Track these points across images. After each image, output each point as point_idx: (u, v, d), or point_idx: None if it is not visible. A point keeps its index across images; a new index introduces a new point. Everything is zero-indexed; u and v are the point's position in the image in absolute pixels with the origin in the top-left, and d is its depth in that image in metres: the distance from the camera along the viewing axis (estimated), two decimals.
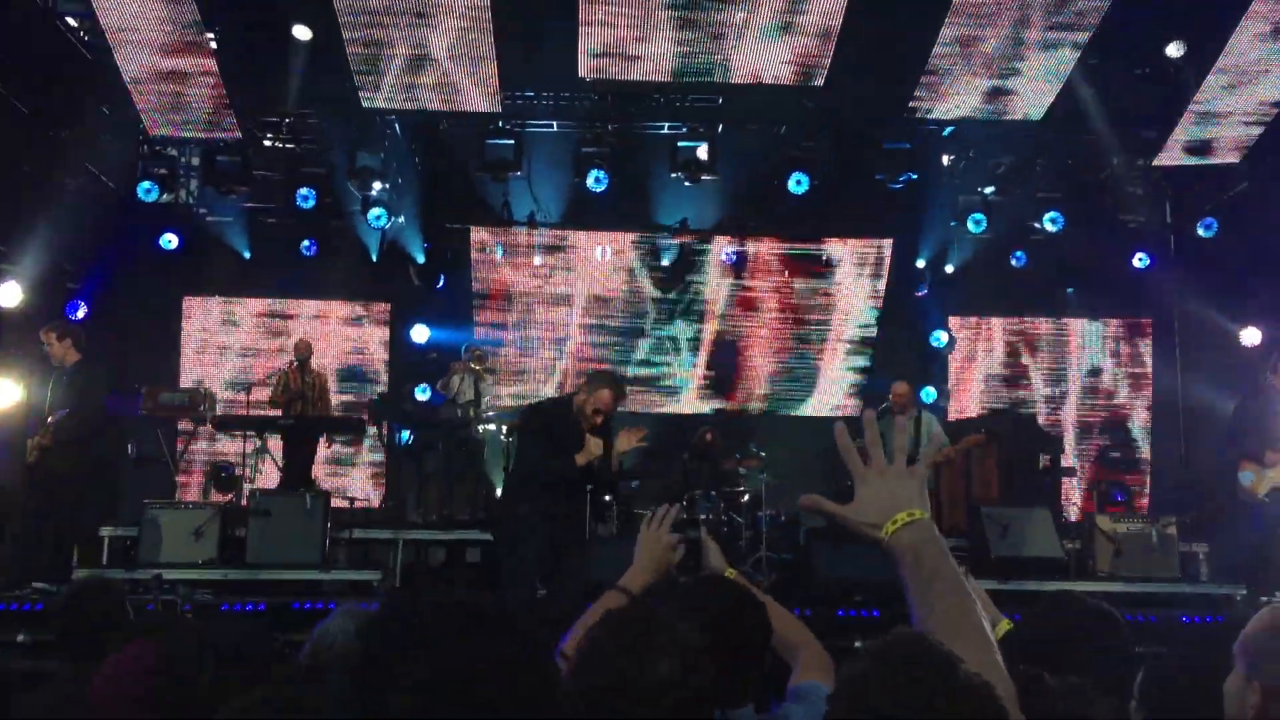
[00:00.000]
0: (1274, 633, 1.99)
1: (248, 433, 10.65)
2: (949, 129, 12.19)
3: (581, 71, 10.89)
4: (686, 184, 11.93)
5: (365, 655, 1.27)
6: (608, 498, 9.07)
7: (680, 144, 11.73)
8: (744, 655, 2.51)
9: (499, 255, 13.30)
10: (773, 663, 2.79)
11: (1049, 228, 12.30)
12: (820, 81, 10.98)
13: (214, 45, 10.71)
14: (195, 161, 12.35)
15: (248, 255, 12.99)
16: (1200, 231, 12.14)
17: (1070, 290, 13.67)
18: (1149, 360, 13.75)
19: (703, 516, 10.13)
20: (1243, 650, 2.00)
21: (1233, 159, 11.89)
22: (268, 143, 12.11)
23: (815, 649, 2.90)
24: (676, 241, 13.42)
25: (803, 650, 2.88)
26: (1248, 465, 8.70)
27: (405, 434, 11.67)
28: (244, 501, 9.57)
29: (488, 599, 1.36)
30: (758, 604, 2.64)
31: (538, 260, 13.37)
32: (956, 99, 11.31)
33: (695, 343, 13.56)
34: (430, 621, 1.29)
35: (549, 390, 13.26)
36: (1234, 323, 12.34)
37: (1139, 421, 13.69)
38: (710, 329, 13.56)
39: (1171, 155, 11.92)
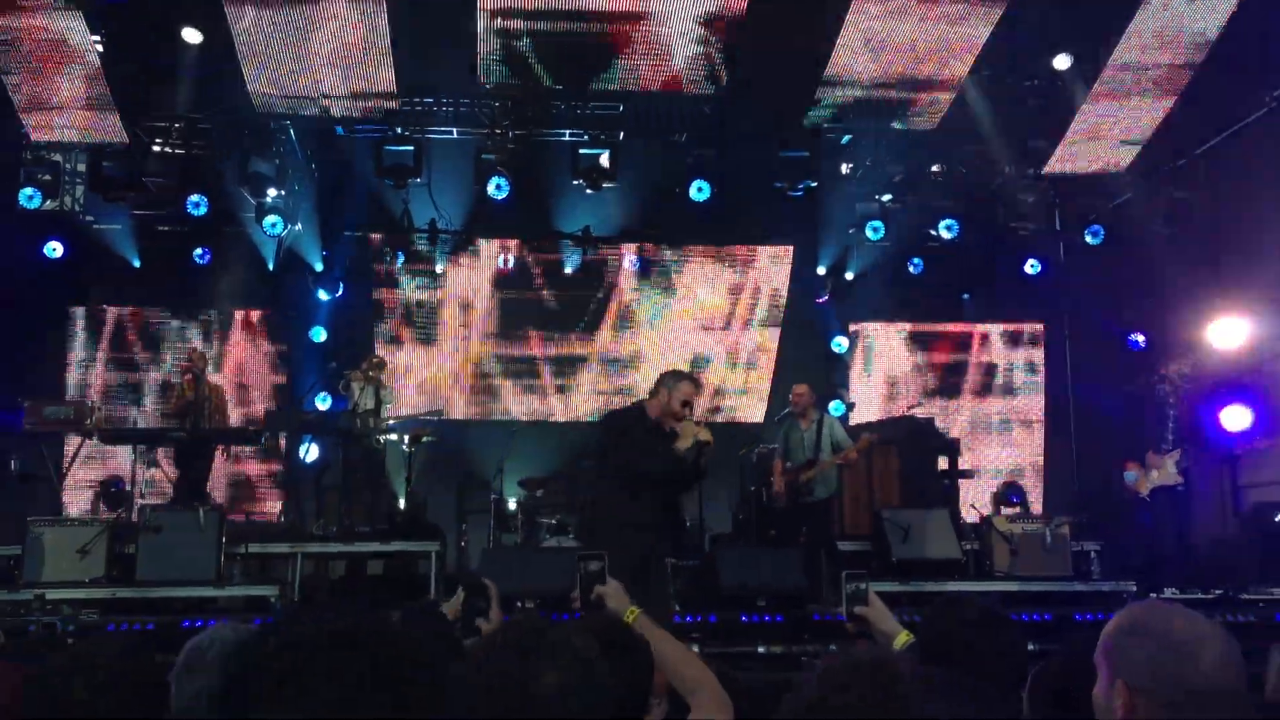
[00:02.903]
0: (1130, 630, 2.01)
1: (138, 447, 10.35)
2: (846, 138, 12.36)
3: (481, 78, 10.81)
4: (588, 191, 11.91)
5: (236, 683, 1.22)
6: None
7: (582, 151, 11.70)
8: (620, 700, 2.47)
9: (399, 263, 13.13)
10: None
11: (945, 235, 12.53)
12: (721, 89, 11.06)
13: (100, 49, 10.39)
14: (81, 167, 11.96)
15: (137, 264, 12.64)
16: (1088, 238, 12.47)
17: (966, 296, 13.94)
18: (1041, 364, 14.09)
19: None
20: (1104, 652, 2.04)
21: (1118, 168, 12.25)
22: (157, 148, 11.75)
23: (713, 690, 2.87)
24: (579, 249, 13.38)
25: (700, 690, 2.85)
26: (1131, 465, 8.97)
27: (305, 445, 11.44)
28: (134, 517, 9.29)
29: (372, 619, 1.31)
30: (639, 647, 2.61)
31: (438, 267, 13.22)
32: (853, 108, 11.47)
33: (598, 350, 13.52)
34: (304, 650, 1.24)
35: (451, 398, 13.14)
36: (1121, 327, 12.70)
37: (1033, 424, 14.01)
38: (611, 336, 13.54)
39: (1060, 164, 12.24)
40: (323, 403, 12.12)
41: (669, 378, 6.47)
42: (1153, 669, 1.94)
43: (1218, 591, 8.34)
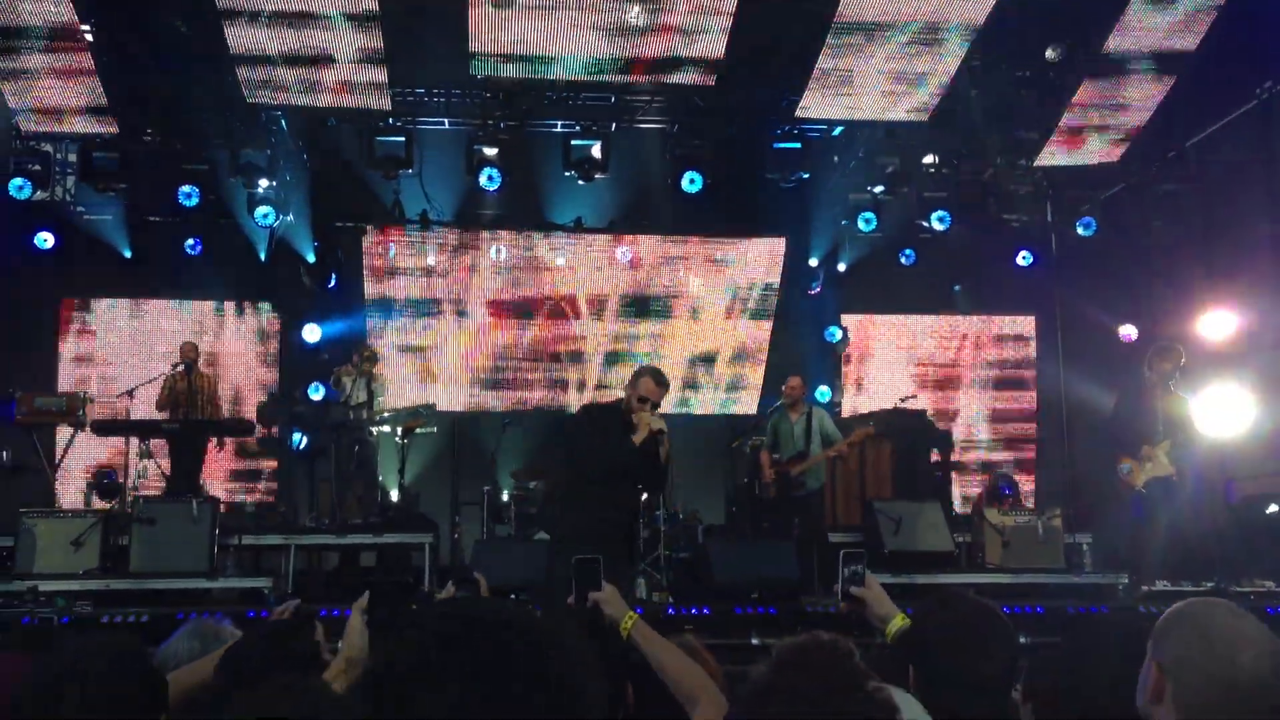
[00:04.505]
0: (1176, 617, 2.10)
1: (130, 438, 10.32)
2: (838, 129, 12.37)
3: (472, 68, 10.78)
4: (580, 182, 11.89)
5: (389, 675, 1.23)
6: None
7: (573, 142, 11.68)
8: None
9: (391, 254, 13.11)
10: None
11: (936, 226, 12.54)
12: (712, 81, 11.05)
13: (89, 38, 10.34)
14: (71, 158, 11.90)
15: (128, 254, 12.60)
16: (1079, 230, 12.50)
17: (958, 288, 13.97)
18: (1034, 355, 14.13)
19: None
20: (1153, 635, 2.12)
21: (1109, 160, 12.27)
22: (147, 139, 11.72)
23: (713, 697, 2.87)
24: (570, 240, 13.37)
25: (701, 700, 2.84)
26: (1125, 458, 8.96)
27: (297, 437, 11.42)
28: (127, 509, 9.27)
29: (514, 610, 1.34)
30: (617, 637, 2.63)
31: (431, 259, 13.21)
32: (846, 100, 11.46)
33: (591, 342, 13.51)
34: (458, 639, 1.26)
35: (443, 391, 13.14)
36: (1113, 319, 12.73)
37: (1025, 416, 14.05)
38: (602, 327, 13.53)
39: (1051, 156, 12.25)
40: (315, 393, 12.11)
41: (636, 372, 6.56)
42: (1185, 656, 2.03)
43: (1209, 584, 8.36)
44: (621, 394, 6.77)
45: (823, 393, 12.80)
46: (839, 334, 13.61)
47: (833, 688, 1.63)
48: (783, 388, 10.14)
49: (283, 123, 11.90)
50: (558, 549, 6.46)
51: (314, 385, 12.11)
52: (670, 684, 2.75)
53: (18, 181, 11.09)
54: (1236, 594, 8.12)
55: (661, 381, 6.50)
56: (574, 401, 13.36)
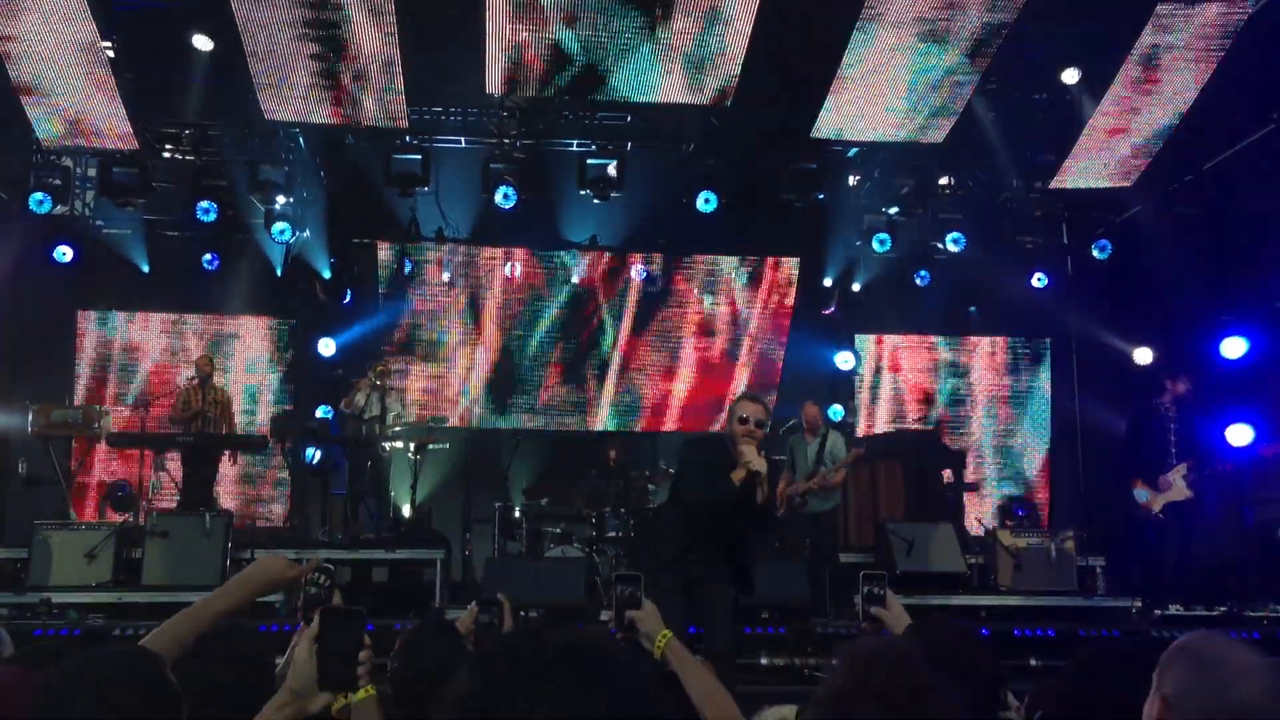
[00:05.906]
0: (1181, 649, 2.13)
1: (145, 451, 10.38)
2: (854, 150, 12.38)
3: (489, 87, 10.84)
4: (595, 201, 11.93)
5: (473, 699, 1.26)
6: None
7: (589, 161, 11.72)
8: None
9: (406, 271, 13.16)
10: None
11: (951, 248, 12.52)
12: (728, 101, 11.08)
13: (110, 54, 10.44)
14: (91, 172, 12.01)
15: (146, 269, 12.67)
16: (1095, 253, 12.47)
17: (973, 309, 13.94)
18: (1048, 377, 14.08)
19: (611, 534, 10.14)
20: (1158, 667, 2.14)
21: (1125, 183, 12.24)
22: (167, 154, 11.82)
23: None
24: (586, 258, 13.41)
25: None
26: (1140, 483, 8.93)
27: (310, 451, 11.46)
28: (141, 521, 9.32)
29: (599, 641, 1.36)
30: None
31: (446, 276, 13.25)
32: (862, 121, 11.48)
33: (604, 360, 13.53)
34: (546, 666, 1.28)
35: (457, 406, 13.18)
36: (1127, 342, 12.70)
37: (1039, 438, 13.99)
38: (620, 346, 13.55)
39: (1067, 179, 12.23)
40: (325, 414, 12.17)
41: (735, 401, 6.11)
42: (1188, 687, 2.06)
43: (1222, 608, 8.32)
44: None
45: (835, 411, 12.78)
46: (850, 359, 13.58)
47: (910, 688, 1.70)
48: (801, 415, 10.11)
49: (300, 140, 11.98)
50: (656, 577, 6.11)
51: (324, 406, 12.15)
52: (697, 705, 2.75)
53: (38, 196, 11.16)
54: (1250, 618, 8.08)
55: (757, 400, 6.02)
56: (587, 419, 13.38)
